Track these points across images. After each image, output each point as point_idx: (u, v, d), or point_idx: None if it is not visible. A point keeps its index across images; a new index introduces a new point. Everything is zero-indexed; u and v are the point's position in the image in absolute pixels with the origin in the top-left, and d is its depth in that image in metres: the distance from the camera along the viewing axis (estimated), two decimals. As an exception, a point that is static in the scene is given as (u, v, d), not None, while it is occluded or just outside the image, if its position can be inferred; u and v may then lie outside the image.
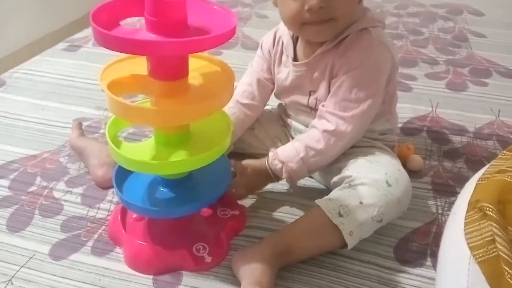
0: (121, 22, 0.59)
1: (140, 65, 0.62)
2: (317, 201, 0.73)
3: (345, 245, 0.70)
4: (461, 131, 1.05)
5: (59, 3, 2.57)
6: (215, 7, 0.62)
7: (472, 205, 0.50)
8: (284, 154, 0.79)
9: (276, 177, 0.81)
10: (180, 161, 0.61)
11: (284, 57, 0.86)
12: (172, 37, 0.54)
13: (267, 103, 0.94)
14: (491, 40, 1.51)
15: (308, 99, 0.84)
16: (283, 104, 0.94)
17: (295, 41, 0.84)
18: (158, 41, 0.51)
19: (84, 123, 1.09)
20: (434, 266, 0.71)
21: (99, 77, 0.59)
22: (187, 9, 0.57)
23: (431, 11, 1.73)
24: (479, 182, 0.51)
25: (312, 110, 0.84)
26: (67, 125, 1.08)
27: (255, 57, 0.92)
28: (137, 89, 0.63)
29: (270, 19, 1.65)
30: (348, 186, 0.73)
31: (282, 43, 0.86)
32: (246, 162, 0.82)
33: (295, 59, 0.84)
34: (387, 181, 0.72)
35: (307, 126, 0.85)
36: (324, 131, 0.77)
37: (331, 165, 0.82)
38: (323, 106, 0.79)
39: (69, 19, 2.58)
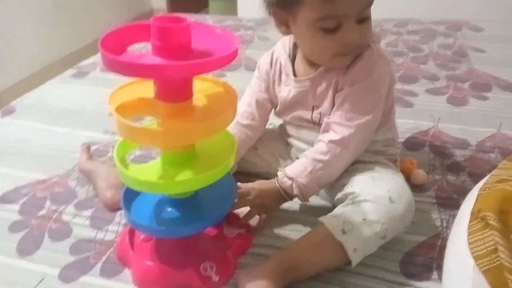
0: (128, 48, 0.62)
1: (146, 89, 0.64)
2: (321, 218, 0.74)
3: (349, 261, 0.71)
4: (463, 144, 1.06)
5: (67, 30, 2.64)
6: (217, 31, 0.64)
7: (475, 215, 0.51)
8: (292, 171, 0.80)
9: (288, 196, 0.82)
10: (186, 180, 0.63)
11: (283, 76, 0.88)
12: (177, 60, 0.56)
13: (270, 122, 0.96)
14: (490, 54, 1.53)
15: (312, 113, 0.85)
16: (284, 122, 0.95)
17: (292, 60, 0.87)
18: (163, 65, 0.54)
19: (92, 147, 1.11)
20: (440, 279, 0.71)
21: (108, 101, 0.61)
22: (191, 33, 0.59)
23: (431, 28, 1.77)
24: (481, 192, 0.52)
25: (315, 124, 0.85)
26: (76, 149, 1.09)
27: (253, 78, 0.94)
28: (144, 111, 0.65)
29: (272, 41, 1.67)
30: (351, 203, 0.74)
31: (280, 63, 0.88)
32: (257, 183, 0.83)
33: (295, 76, 0.86)
34: (390, 197, 0.73)
35: (309, 144, 0.87)
36: (330, 141, 0.78)
37: (335, 181, 0.83)
38: (328, 118, 0.81)
39: (77, 46, 2.65)
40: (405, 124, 1.12)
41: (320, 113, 0.84)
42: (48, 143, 1.14)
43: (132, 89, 0.65)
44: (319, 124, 0.84)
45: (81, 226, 0.87)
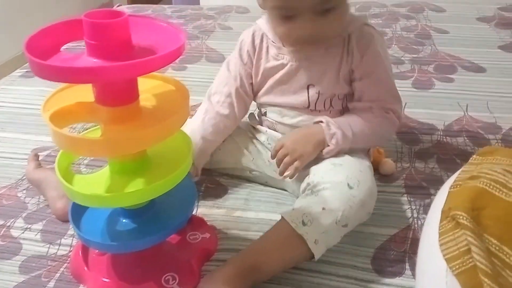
0: (63, 48, 0.55)
1: (88, 91, 0.57)
2: (282, 213, 0.70)
3: (313, 255, 0.67)
4: (431, 129, 1.04)
5: (19, 28, 2.50)
6: (162, 23, 0.58)
7: (445, 213, 0.48)
8: (340, 123, 0.78)
9: (323, 144, 0.78)
10: (138, 191, 0.57)
11: (273, 50, 0.83)
12: (115, 60, 0.50)
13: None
14: (453, 35, 1.52)
15: (308, 93, 0.81)
16: (262, 107, 0.89)
17: None
18: (98, 67, 0.48)
19: (44, 152, 1.04)
20: (413, 274, 0.69)
21: (42, 108, 0.55)
22: (132, 27, 0.53)
23: (393, 11, 1.74)
24: (451, 189, 0.49)
25: (307, 108, 0.82)
26: (26, 156, 1.02)
27: (231, 61, 0.88)
28: (84, 118, 0.59)
29: (234, 30, 1.63)
30: (310, 192, 0.72)
31: (267, 37, 0.84)
32: (297, 130, 0.81)
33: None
34: (348, 184, 0.70)
35: (284, 134, 0.84)
36: (389, 110, 0.80)
37: (301, 171, 0.79)
38: (363, 102, 0.81)
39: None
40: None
41: (319, 93, 0.80)
42: (-5, 150, 1.06)
43: (71, 93, 0.58)
44: (314, 106, 0.81)
45: (32, 241, 0.80)
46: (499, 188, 0.46)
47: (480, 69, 1.30)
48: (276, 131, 0.87)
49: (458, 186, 0.50)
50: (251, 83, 0.87)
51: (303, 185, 0.76)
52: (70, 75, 0.46)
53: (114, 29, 0.50)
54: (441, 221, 0.47)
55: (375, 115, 0.80)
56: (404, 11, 1.74)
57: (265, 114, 0.88)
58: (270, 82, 0.84)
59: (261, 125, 0.90)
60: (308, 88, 0.81)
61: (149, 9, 1.94)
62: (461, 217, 0.45)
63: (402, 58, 1.38)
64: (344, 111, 0.83)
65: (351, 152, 0.80)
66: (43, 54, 0.51)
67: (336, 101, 0.81)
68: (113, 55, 0.50)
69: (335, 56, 0.79)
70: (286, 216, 0.69)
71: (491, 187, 0.46)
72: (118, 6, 2.04)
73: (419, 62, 1.36)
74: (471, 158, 0.53)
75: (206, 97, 0.90)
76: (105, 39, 0.50)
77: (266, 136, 0.89)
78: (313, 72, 0.80)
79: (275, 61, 0.83)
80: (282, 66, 0.82)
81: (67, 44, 0.56)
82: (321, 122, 0.79)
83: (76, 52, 0.54)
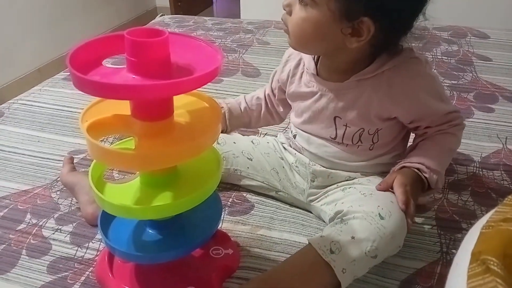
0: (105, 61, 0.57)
1: (125, 104, 0.59)
2: (309, 239, 0.69)
3: (339, 284, 0.66)
4: (467, 160, 1.01)
5: (68, 29, 2.60)
6: (201, 42, 0.59)
7: (475, 256, 0.46)
8: (433, 163, 0.77)
9: (427, 190, 0.79)
10: (165, 205, 0.58)
11: (306, 77, 0.82)
12: (154, 77, 0.51)
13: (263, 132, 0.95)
14: (496, 63, 1.47)
15: (335, 124, 0.79)
16: (292, 131, 0.90)
17: (316, 62, 0.81)
18: (135, 85, 0.49)
19: (80, 155, 1.07)
20: (438, 312, 0.67)
21: (80, 119, 0.57)
22: (171, 45, 0.55)
23: (435, 35, 1.71)
24: (483, 230, 0.47)
25: (334, 141, 0.81)
26: (62, 158, 1.05)
27: (276, 72, 0.93)
28: (120, 130, 0.60)
29: (271, 46, 1.64)
30: (340, 221, 0.70)
31: (303, 63, 0.84)
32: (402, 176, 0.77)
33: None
34: (379, 214, 0.68)
35: (312, 160, 0.84)
36: (457, 128, 0.80)
37: (326, 196, 0.81)
38: (425, 130, 0.80)
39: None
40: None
41: (346, 125, 0.79)
42: (33, 150, 1.10)
43: (109, 105, 0.60)
44: (341, 139, 0.80)
45: (61, 243, 0.83)
46: (535, 235, 0.44)
47: (522, 101, 1.25)
48: (304, 156, 0.87)
49: (490, 227, 0.48)
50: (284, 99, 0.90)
51: (331, 213, 0.75)
52: (109, 91, 0.48)
53: (154, 48, 0.51)
54: (470, 263, 0.46)
55: (445, 134, 0.80)
56: (446, 35, 1.70)
57: (294, 136, 0.89)
58: (301, 106, 0.84)
59: (291, 146, 0.90)
60: (335, 120, 0.79)
61: (190, 20, 1.98)
62: (492, 262, 0.43)
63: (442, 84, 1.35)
64: (374, 146, 0.80)
65: (380, 178, 0.79)
66: (85, 67, 0.53)
67: (366, 136, 0.79)
68: (152, 73, 0.52)
69: (366, 90, 0.75)
70: (314, 243, 0.67)
71: (526, 232, 0.44)
72: (161, 15, 2.09)
73: (458, 89, 1.32)
74: (506, 198, 0.51)
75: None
76: (145, 57, 0.51)
77: (295, 158, 0.88)
78: (341, 104, 0.78)
79: (306, 88, 0.82)
80: (312, 94, 0.81)
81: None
82: (418, 169, 0.77)
83: (116, 66, 0.55)
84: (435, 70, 1.44)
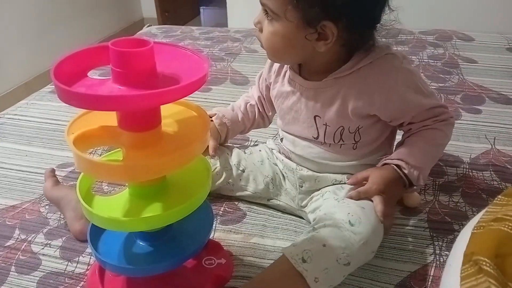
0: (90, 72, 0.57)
1: (112, 115, 0.58)
2: (282, 248, 0.69)
3: None
4: (456, 162, 1.01)
5: (56, 41, 2.58)
6: (187, 51, 0.59)
7: (468, 257, 0.46)
8: (416, 159, 0.76)
9: (410, 186, 0.78)
10: (155, 217, 0.57)
11: (287, 76, 0.83)
12: (140, 87, 0.51)
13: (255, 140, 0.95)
14: (481, 65, 1.49)
15: (316, 124, 0.80)
16: (277, 137, 0.90)
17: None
18: (120, 96, 0.48)
19: (68, 169, 1.06)
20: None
21: (66, 131, 0.56)
22: (157, 54, 0.54)
23: (421, 39, 1.73)
24: (475, 231, 0.47)
25: (317, 141, 0.81)
26: (50, 171, 1.05)
27: (262, 73, 0.93)
28: (107, 142, 0.60)
29: (259, 54, 1.64)
30: (312, 229, 0.70)
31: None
32: (371, 171, 0.77)
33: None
34: (349, 221, 0.68)
35: (299, 165, 0.84)
36: (445, 123, 0.78)
37: (311, 203, 0.81)
38: (409, 127, 0.79)
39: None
40: (396, 140, 1.07)
41: (326, 124, 0.79)
42: (21, 165, 1.08)
43: (95, 116, 0.59)
44: (323, 139, 0.80)
45: (51, 258, 0.81)
46: (525, 234, 0.44)
47: (508, 101, 1.26)
48: (291, 161, 0.87)
49: (481, 227, 0.48)
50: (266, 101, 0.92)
51: (312, 219, 0.75)
52: (94, 103, 0.47)
53: (139, 58, 0.51)
54: (463, 264, 0.46)
55: (431, 129, 0.78)
56: (431, 39, 1.72)
57: (281, 140, 0.89)
58: (283, 107, 0.84)
59: (280, 152, 0.90)
60: (315, 119, 0.79)
61: (177, 30, 1.98)
62: (484, 263, 0.43)
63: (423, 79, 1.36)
64: (357, 145, 0.80)
65: None
66: (70, 79, 0.52)
67: (347, 134, 0.79)
68: (137, 83, 0.51)
69: (343, 88, 0.75)
70: (287, 252, 0.67)
71: (516, 232, 0.44)
72: (148, 26, 2.08)
73: (446, 91, 1.33)
74: (496, 198, 0.51)
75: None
76: (130, 67, 0.51)
77: (283, 164, 0.88)
78: (320, 102, 0.78)
79: (289, 86, 0.83)
80: (293, 93, 0.82)
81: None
82: (397, 165, 0.76)
83: (102, 77, 0.55)
84: (422, 73, 1.45)
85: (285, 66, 0.84)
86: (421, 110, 0.77)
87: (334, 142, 0.80)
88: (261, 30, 0.74)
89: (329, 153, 0.81)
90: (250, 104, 0.97)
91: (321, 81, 0.76)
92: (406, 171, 0.76)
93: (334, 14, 0.66)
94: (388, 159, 0.78)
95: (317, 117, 0.79)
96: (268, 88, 0.90)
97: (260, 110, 0.97)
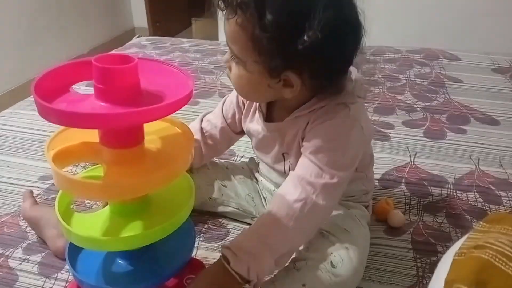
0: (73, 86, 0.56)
1: (94, 131, 0.58)
2: (261, 284, 0.67)
3: None
4: (441, 182, 1.02)
5: (46, 49, 2.56)
6: (172, 68, 0.59)
7: (448, 284, 0.46)
8: (247, 248, 0.64)
9: (243, 281, 0.64)
10: (135, 236, 0.56)
11: (257, 113, 0.81)
12: (123, 104, 0.50)
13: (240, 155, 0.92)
14: (467, 85, 1.51)
15: (284, 162, 0.79)
16: (256, 159, 0.90)
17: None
18: (103, 114, 0.48)
19: (50, 181, 1.04)
20: None
21: (46, 147, 0.55)
22: (141, 70, 0.54)
23: (408, 57, 1.75)
24: (456, 257, 0.47)
25: (286, 174, 0.79)
26: (32, 183, 1.03)
27: (228, 98, 0.88)
28: (88, 158, 0.59)
29: (248, 67, 1.64)
30: (292, 266, 0.68)
31: None
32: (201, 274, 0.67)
33: (268, 118, 0.79)
34: (331, 262, 0.67)
35: (276, 187, 0.82)
36: (296, 200, 0.66)
37: None
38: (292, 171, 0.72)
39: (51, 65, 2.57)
40: (381, 159, 1.08)
41: (290, 162, 0.78)
42: (2, 176, 1.06)
43: (77, 132, 0.58)
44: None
45: (28, 273, 0.79)
46: (505, 262, 0.44)
47: (493, 122, 1.28)
48: (268, 182, 0.86)
49: (463, 254, 0.48)
50: (240, 124, 0.87)
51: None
52: (75, 120, 0.46)
53: (123, 75, 0.50)
54: (444, 291, 0.45)
55: (297, 201, 0.66)
56: (418, 57, 1.74)
57: (258, 164, 0.88)
58: (254, 140, 0.84)
59: (258, 172, 0.90)
60: (283, 156, 0.79)
61: (167, 42, 1.98)
62: (465, 291, 0.43)
63: (415, 106, 1.38)
64: None
65: (346, 212, 0.78)
66: (51, 94, 0.51)
67: None
68: (120, 100, 0.51)
69: (302, 125, 0.72)
70: None
71: (496, 259, 0.44)
72: (137, 37, 2.08)
73: (431, 110, 1.35)
74: (477, 225, 0.51)
75: (200, 117, 0.92)
76: (113, 84, 0.50)
77: (262, 185, 0.88)
78: (285, 140, 0.76)
79: (257, 124, 0.81)
80: (261, 131, 0.80)
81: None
82: (225, 258, 0.65)
83: (84, 93, 0.54)
84: (408, 92, 1.46)
85: (254, 106, 0.82)
86: (314, 162, 0.68)
87: None
88: (230, 69, 0.72)
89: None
90: (221, 128, 0.89)
91: (283, 121, 0.75)
92: (231, 263, 0.63)
93: (296, 65, 0.64)
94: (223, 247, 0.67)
95: (285, 154, 0.79)
96: (234, 116, 0.87)
97: (225, 135, 0.89)
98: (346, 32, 0.62)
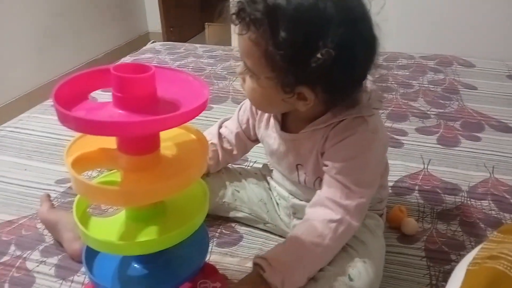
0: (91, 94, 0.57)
1: (112, 138, 0.59)
2: None
3: None
4: (455, 190, 1.01)
5: (61, 53, 2.61)
6: (188, 76, 0.60)
7: (462, 294, 0.46)
8: (281, 261, 0.66)
9: None
10: (151, 241, 0.57)
11: (272, 121, 0.82)
12: (140, 112, 0.51)
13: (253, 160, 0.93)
14: (481, 92, 1.50)
15: (298, 173, 0.79)
16: (269, 165, 0.91)
17: None
18: (121, 122, 0.49)
19: (67, 184, 1.06)
20: None
21: (65, 153, 0.56)
22: (158, 78, 0.55)
23: (421, 63, 1.74)
24: (470, 267, 0.47)
25: (300, 183, 0.80)
26: (49, 186, 1.05)
27: (244, 103, 0.89)
28: (106, 164, 0.60)
29: (261, 73, 1.65)
30: (313, 278, 0.68)
31: None
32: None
33: (283, 127, 0.79)
34: (349, 275, 0.67)
35: (291, 194, 0.83)
36: (330, 221, 0.68)
37: None
38: (320, 192, 0.73)
39: (67, 69, 2.62)
40: (394, 166, 1.08)
41: (305, 174, 0.78)
42: (20, 179, 1.08)
43: (94, 138, 0.59)
44: (304, 184, 0.79)
45: (45, 276, 0.81)
46: (520, 273, 0.44)
47: (508, 129, 1.27)
48: (283, 189, 0.86)
49: (476, 264, 0.48)
50: (254, 131, 0.88)
51: None
52: (94, 128, 0.47)
53: (141, 84, 0.51)
54: (457, 302, 0.45)
55: (328, 221, 0.68)
56: (432, 64, 1.74)
57: (272, 171, 0.89)
58: (268, 149, 0.84)
59: (272, 178, 0.90)
60: (297, 167, 0.79)
61: (181, 47, 2.00)
62: (478, 302, 0.43)
63: (428, 112, 1.37)
64: None
65: (363, 225, 0.76)
66: (70, 101, 0.53)
67: None
68: (138, 108, 0.52)
69: (318, 140, 0.73)
70: None
71: (511, 270, 0.44)
72: (152, 42, 2.11)
73: (445, 117, 1.34)
74: (491, 235, 0.51)
75: (219, 122, 0.93)
76: (131, 92, 0.51)
77: (275, 192, 0.88)
78: (300, 152, 0.77)
79: (272, 132, 0.81)
80: (276, 140, 0.81)
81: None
82: (261, 268, 0.66)
83: (100, 100, 0.55)
84: (421, 99, 1.46)
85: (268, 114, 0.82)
86: (342, 183, 0.69)
87: (315, 187, 0.77)
88: (244, 81, 0.72)
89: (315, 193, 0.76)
90: (236, 133, 0.90)
91: (299, 133, 0.75)
92: (267, 275, 0.65)
93: (309, 81, 0.64)
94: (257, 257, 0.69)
95: (299, 166, 0.79)
96: (248, 123, 0.88)
97: (241, 141, 0.90)
98: (360, 48, 0.62)
